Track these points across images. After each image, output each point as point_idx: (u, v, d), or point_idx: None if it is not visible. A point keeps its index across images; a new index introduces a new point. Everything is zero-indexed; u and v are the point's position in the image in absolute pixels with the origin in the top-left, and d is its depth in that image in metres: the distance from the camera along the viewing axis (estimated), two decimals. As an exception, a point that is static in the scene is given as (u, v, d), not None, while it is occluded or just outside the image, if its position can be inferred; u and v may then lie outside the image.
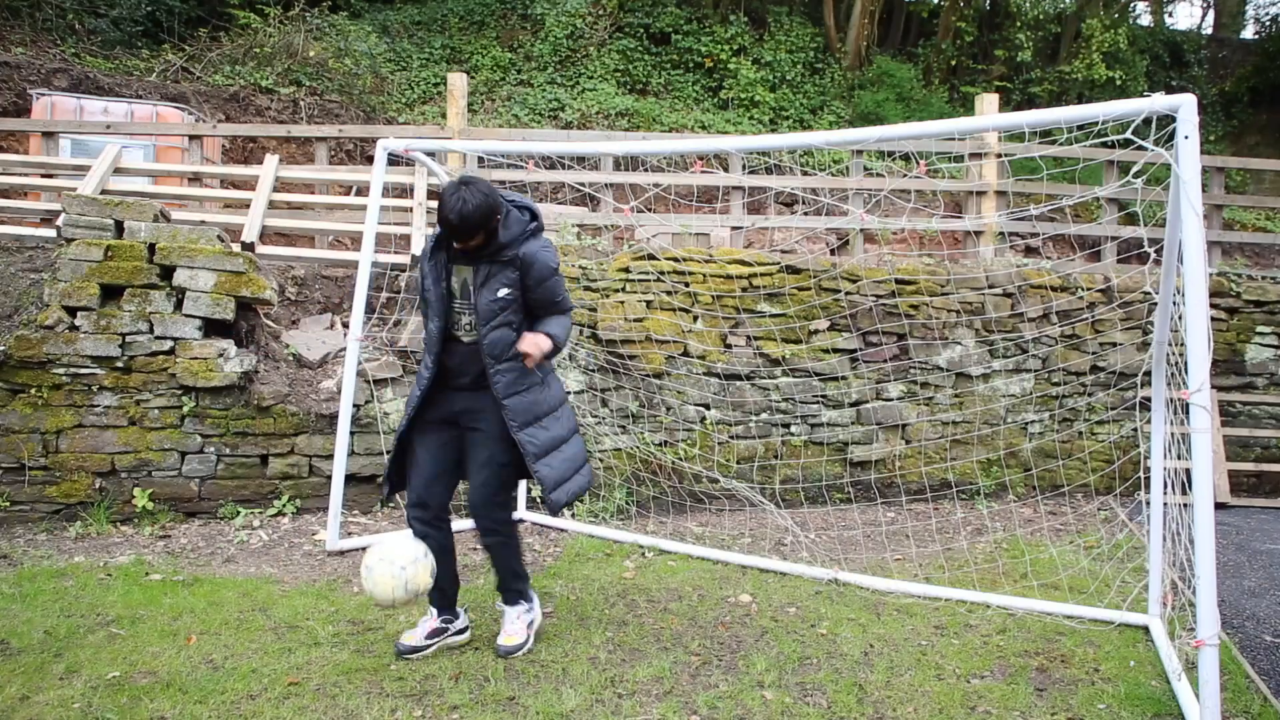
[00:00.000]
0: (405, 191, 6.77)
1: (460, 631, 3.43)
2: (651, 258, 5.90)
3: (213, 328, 5.06)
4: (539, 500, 5.46)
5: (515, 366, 3.23)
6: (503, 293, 3.19)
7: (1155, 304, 3.75)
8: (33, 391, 4.82)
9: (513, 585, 3.45)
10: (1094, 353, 6.36)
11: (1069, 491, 6.10)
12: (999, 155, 7.72)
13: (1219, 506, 6.06)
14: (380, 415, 5.23)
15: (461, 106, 7.41)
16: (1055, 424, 6.33)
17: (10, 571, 4.15)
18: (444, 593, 3.39)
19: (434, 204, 6.66)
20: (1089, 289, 6.40)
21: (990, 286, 6.24)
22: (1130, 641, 3.61)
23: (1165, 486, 3.65)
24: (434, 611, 3.40)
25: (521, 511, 5.35)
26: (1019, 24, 12.77)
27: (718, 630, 3.65)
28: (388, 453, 5.17)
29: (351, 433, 4.85)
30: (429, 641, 3.34)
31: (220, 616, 3.66)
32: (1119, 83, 12.43)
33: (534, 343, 3.17)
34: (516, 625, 3.41)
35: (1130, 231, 5.90)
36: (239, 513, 5.04)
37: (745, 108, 11.82)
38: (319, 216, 7.03)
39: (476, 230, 3.09)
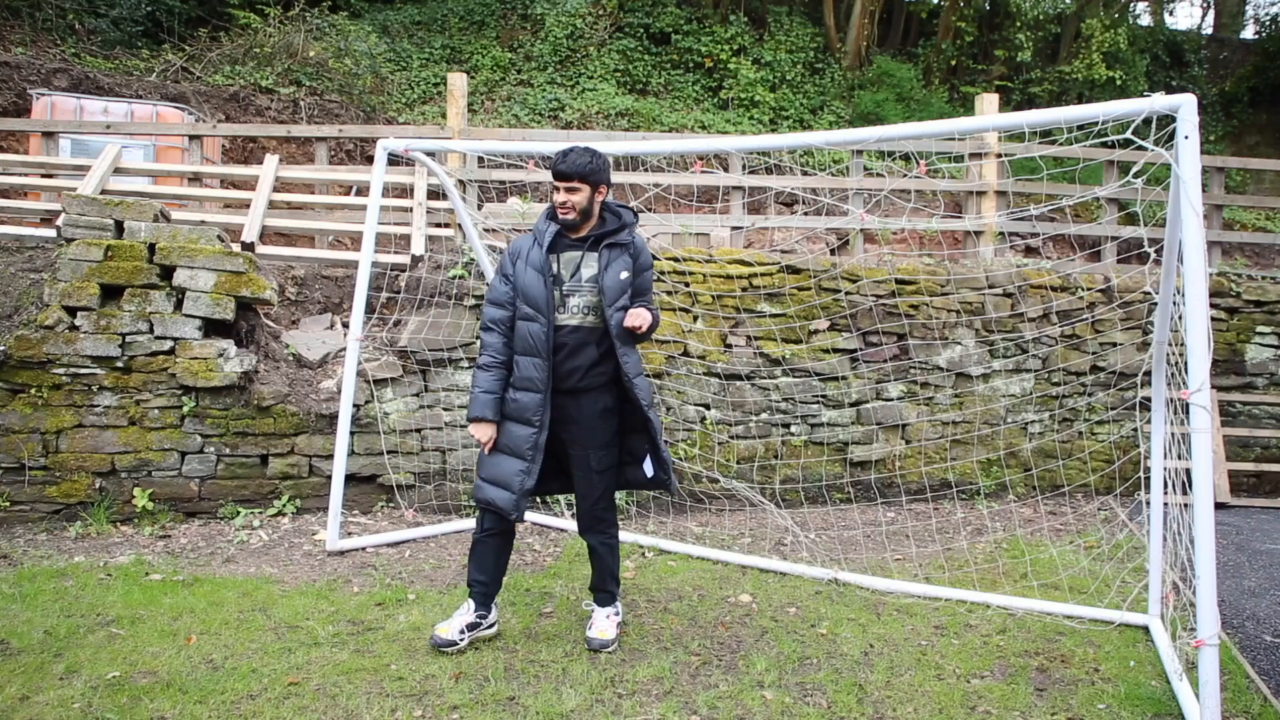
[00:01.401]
0: (405, 191, 6.77)
1: (490, 626, 3.47)
2: (652, 257, 5.89)
3: (213, 328, 5.06)
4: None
5: (633, 350, 3.35)
6: (624, 275, 3.31)
7: (1155, 304, 3.75)
8: (33, 391, 4.82)
9: (610, 587, 3.56)
10: (1094, 353, 6.36)
11: (1069, 491, 6.10)
12: (999, 155, 7.72)
13: (1219, 506, 6.06)
14: (380, 415, 5.23)
15: (461, 106, 7.41)
16: (1055, 424, 6.33)
17: (10, 571, 4.15)
18: (488, 589, 3.43)
19: (434, 204, 6.68)
20: (1089, 289, 6.40)
21: (990, 286, 6.24)
22: (1130, 641, 3.61)
23: (1165, 486, 3.65)
24: (472, 605, 3.43)
25: (521, 511, 5.35)
26: (1019, 24, 12.77)
27: (718, 630, 3.65)
28: (388, 452, 5.21)
29: (351, 433, 4.85)
30: (464, 636, 3.37)
31: (220, 616, 3.66)
32: (1119, 83, 12.43)
33: (639, 314, 3.27)
34: (608, 624, 3.49)
35: (1130, 231, 5.89)
36: (239, 513, 5.04)
37: (745, 108, 11.82)
38: (319, 216, 7.03)
39: (575, 177, 3.23)
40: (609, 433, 3.40)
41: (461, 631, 3.36)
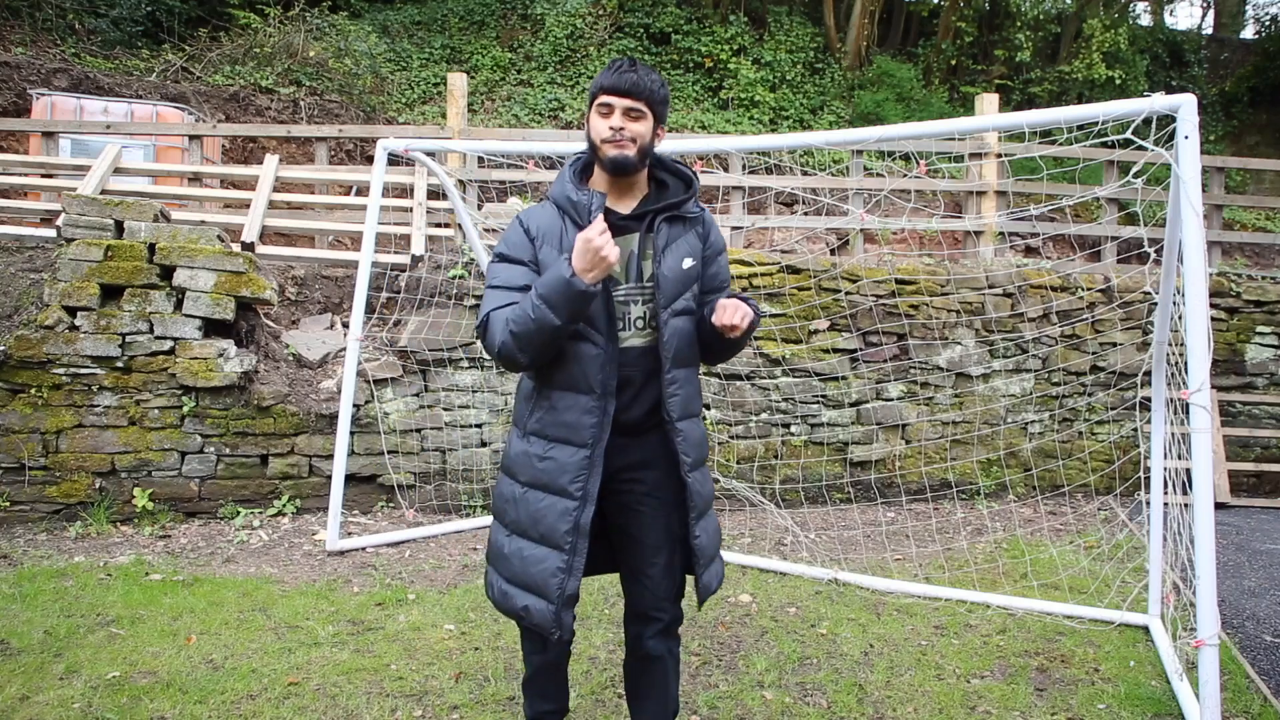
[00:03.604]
0: (405, 191, 6.78)
1: None
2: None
3: (213, 328, 5.06)
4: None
5: (691, 377, 2.25)
6: (687, 263, 2.19)
7: (1155, 304, 3.75)
8: (33, 391, 4.82)
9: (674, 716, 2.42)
10: (1094, 353, 6.36)
11: (1069, 491, 6.10)
12: (999, 155, 7.72)
13: (1219, 506, 6.06)
14: (380, 415, 5.23)
15: (461, 106, 7.40)
16: (1055, 424, 6.33)
17: (10, 571, 4.15)
18: (560, 712, 2.52)
19: (434, 204, 6.68)
20: (1089, 289, 6.40)
21: (990, 286, 6.24)
22: (1130, 641, 3.61)
23: (1165, 486, 3.65)
24: None
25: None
26: (1019, 24, 12.77)
27: (718, 630, 3.65)
28: (388, 452, 5.20)
29: (351, 433, 4.85)
30: None
31: (220, 616, 3.66)
32: (1119, 83, 12.43)
33: (739, 309, 2.08)
34: None
35: (1130, 231, 5.89)
36: (239, 513, 5.04)
37: (745, 108, 11.82)
38: (319, 216, 7.03)
39: (643, 97, 2.08)
40: (670, 479, 2.27)
41: None
